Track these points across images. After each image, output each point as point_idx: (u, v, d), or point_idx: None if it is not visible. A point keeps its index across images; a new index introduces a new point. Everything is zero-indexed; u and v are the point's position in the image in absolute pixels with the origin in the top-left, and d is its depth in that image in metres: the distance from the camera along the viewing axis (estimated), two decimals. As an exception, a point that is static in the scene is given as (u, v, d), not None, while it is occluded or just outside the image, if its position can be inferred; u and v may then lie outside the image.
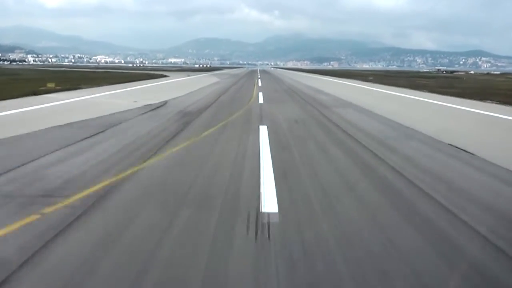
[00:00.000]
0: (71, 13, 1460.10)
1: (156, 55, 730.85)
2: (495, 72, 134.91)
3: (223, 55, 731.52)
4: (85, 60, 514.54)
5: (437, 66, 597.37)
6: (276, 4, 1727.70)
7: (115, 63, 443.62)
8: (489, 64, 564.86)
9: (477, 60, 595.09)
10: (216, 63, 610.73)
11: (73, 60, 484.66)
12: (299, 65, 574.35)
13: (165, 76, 41.46)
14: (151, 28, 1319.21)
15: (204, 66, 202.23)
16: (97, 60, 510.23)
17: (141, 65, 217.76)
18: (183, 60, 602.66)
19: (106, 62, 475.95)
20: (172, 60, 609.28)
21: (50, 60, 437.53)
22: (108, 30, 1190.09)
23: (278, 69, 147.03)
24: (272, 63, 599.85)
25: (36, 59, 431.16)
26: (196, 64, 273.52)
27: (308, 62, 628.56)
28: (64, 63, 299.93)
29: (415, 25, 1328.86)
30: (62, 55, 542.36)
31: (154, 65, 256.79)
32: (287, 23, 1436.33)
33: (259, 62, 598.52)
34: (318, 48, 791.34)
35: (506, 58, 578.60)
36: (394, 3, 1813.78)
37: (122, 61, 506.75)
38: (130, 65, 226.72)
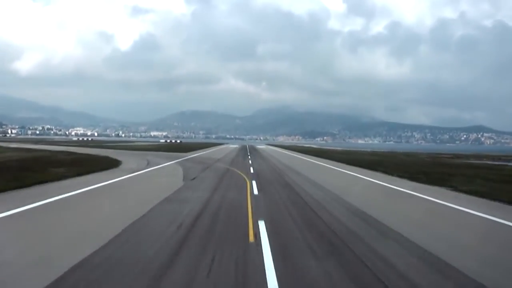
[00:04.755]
0: (49, 83, 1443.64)
1: (139, 128, 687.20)
2: None
3: (209, 128, 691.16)
4: (52, 132, 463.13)
5: (436, 142, 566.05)
6: (263, 75, 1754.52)
7: (87, 135, 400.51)
8: (492, 141, 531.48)
9: (479, 136, 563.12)
10: (201, 137, 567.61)
11: (37, 132, 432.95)
12: (290, 140, 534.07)
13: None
14: (134, 99, 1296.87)
15: (175, 141, 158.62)
16: (67, 133, 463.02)
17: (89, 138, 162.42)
18: (165, 133, 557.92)
19: (77, 134, 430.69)
20: (154, 133, 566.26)
21: (10, 132, 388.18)
22: (90, 101, 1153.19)
23: (272, 147, 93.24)
24: (262, 138, 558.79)
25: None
26: (162, 139, 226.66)
27: (300, 137, 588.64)
28: (24, 137, 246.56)
29: (408, 98, 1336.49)
30: (31, 127, 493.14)
31: (120, 138, 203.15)
32: (275, 95, 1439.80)
33: (247, 137, 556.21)
34: (308, 121, 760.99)
35: (509, 134, 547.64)
36: (384, 75, 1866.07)
37: (96, 134, 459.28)
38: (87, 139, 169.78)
